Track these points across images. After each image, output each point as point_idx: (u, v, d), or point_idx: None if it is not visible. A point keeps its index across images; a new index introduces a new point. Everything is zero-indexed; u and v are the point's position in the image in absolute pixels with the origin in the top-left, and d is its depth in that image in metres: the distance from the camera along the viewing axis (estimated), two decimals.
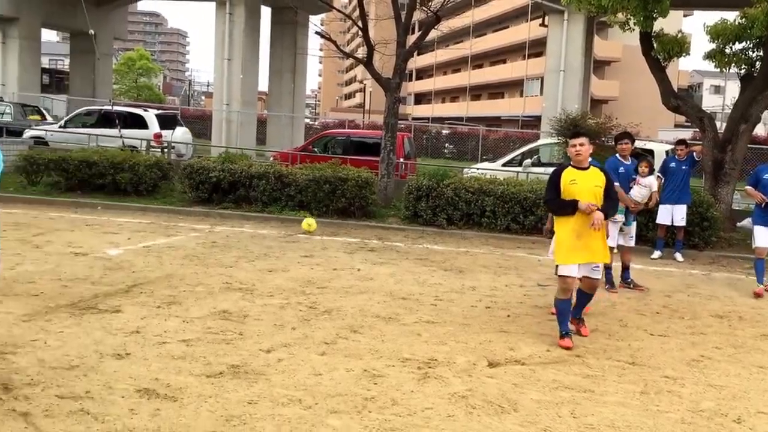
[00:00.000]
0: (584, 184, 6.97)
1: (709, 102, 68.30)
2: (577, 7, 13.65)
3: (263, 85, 35.86)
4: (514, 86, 63.54)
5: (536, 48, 56.06)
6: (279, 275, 9.55)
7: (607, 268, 9.24)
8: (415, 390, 5.60)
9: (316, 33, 18.10)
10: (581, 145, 7.08)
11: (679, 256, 12.34)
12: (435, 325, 7.50)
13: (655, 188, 10.12)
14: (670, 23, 23.58)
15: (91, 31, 22.91)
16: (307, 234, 12.99)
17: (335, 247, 12.07)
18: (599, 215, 6.83)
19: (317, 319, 7.49)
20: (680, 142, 12.54)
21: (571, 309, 7.23)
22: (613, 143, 10.20)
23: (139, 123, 22.40)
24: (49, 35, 43.08)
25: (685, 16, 58.15)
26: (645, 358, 6.71)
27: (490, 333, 7.32)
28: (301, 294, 8.56)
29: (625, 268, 9.92)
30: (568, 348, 6.83)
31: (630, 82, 53.31)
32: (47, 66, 48.07)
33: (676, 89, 15.57)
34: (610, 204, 7.09)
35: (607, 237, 8.25)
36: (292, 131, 32.71)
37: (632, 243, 9.97)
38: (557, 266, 7.17)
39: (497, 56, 67.99)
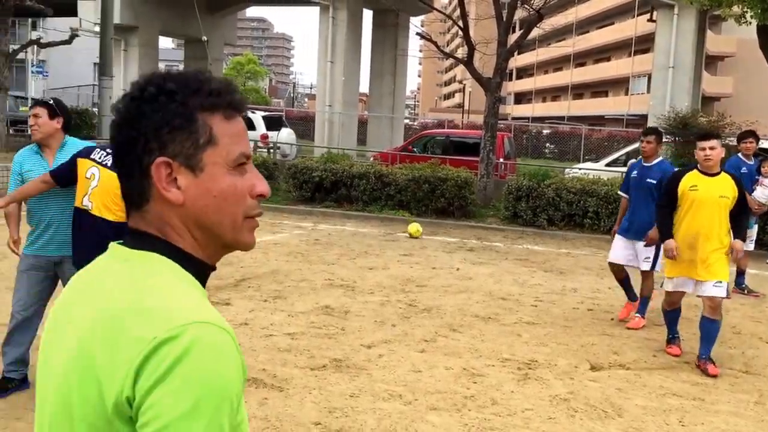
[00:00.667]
0: (707, 192, 6.16)
1: None
2: (688, 1, 13.21)
3: (364, 86, 36.23)
4: (619, 84, 61.86)
5: (642, 44, 54.40)
6: (379, 273, 9.66)
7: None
8: (515, 390, 5.58)
9: (417, 35, 18.19)
10: (711, 148, 6.18)
11: None
12: (535, 326, 7.44)
13: None
14: None
15: (204, 38, 23.71)
16: (411, 237, 12.93)
17: (434, 246, 12.11)
18: (739, 246, 6.20)
19: (417, 317, 7.55)
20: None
21: (679, 316, 6.74)
22: (736, 142, 9.76)
23: (247, 124, 22.95)
24: (164, 42, 44.96)
25: None
26: (760, 367, 6.46)
27: (593, 336, 7.19)
28: (401, 292, 8.64)
29: (741, 273, 9.46)
30: (675, 355, 6.53)
31: (745, 78, 50.92)
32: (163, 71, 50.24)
33: None
34: (740, 225, 6.31)
35: None
36: (392, 131, 32.92)
37: (752, 247, 9.43)
38: (663, 280, 6.57)
39: (601, 54, 66.33)
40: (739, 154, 9.22)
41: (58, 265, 4.95)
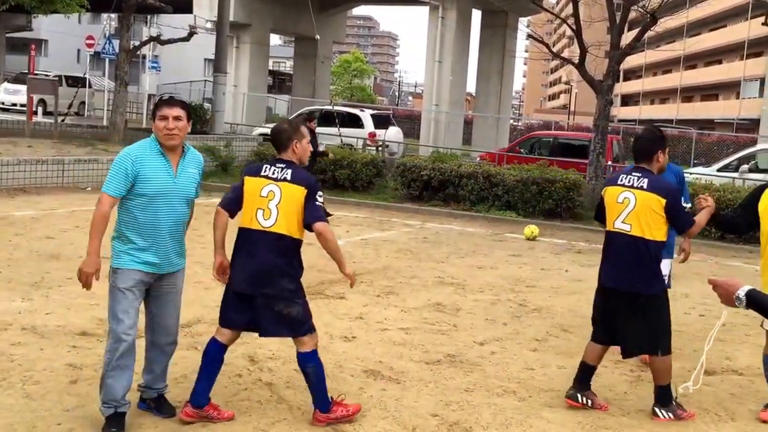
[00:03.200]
0: None
1: None
2: None
3: (470, 86, 36.30)
4: (730, 88, 59.54)
5: (755, 48, 52.24)
6: (488, 272, 9.83)
7: None
8: (629, 392, 5.67)
9: (529, 36, 18.19)
10: None
11: None
12: None
13: None
14: None
15: (317, 36, 24.37)
16: (528, 239, 12.96)
17: (542, 247, 12.17)
18: None
19: (527, 317, 7.69)
20: None
21: None
22: None
23: (356, 122, 23.59)
24: (272, 39, 46.35)
25: None
26: None
27: (704, 341, 7.14)
28: (511, 291, 8.79)
29: None
30: (765, 422, 5.21)
31: None
32: (271, 68, 51.69)
33: None
34: None
35: None
36: (497, 132, 32.89)
37: None
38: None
39: (712, 56, 64.01)
40: None
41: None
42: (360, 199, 16.19)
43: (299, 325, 4.64)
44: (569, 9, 16.88)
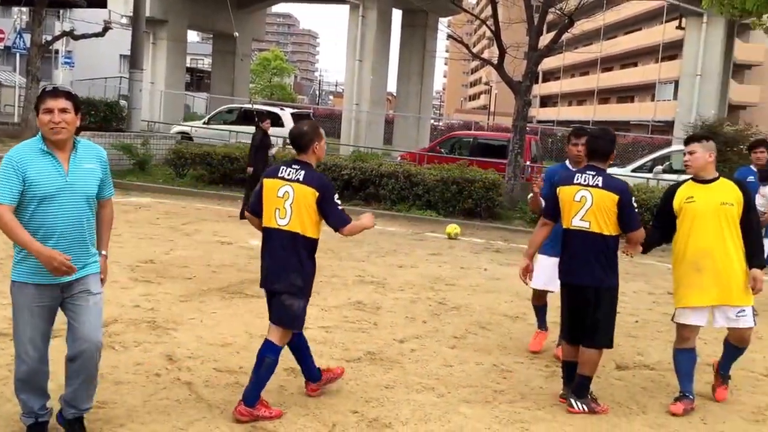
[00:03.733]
0: (706, 201, 5.36)
1: None
2: (718, 11, 13.31)
3: (391, 86, 36.50)
4: (645, 90, 61.65)
5: (670, 51, 54.19)
6: (409, 271, 9.90)
7: None
8: (544, 386, 5.79)
9: (449, 36, 18.39)
10: (691, 153, 5.48)
11: None
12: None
13: None
14: None
15: (236, 33, 24.08)
16: (450, 238, 13.05)
17: (461, 246, 12.32)
18: (758, 276, 5.27)
19: (447, 315, 7.78)
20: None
21: (693, 365, 5.54)
22: (747, 151, 9.44)
23: (276, 121, 23.35)
24: (190, 36, 45.53)
25: None
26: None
27: (619, 337, 7.27)
28: (431, 290, 8.87)
29: None
30: (675, 415, 5.34)
31: None
32: (189, 65, 50.76)
33: None
34: (752, 245, 5.39)
35: None
36: (418, 132, 33.17)
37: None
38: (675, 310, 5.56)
39: (628, 59, 66.17)
40: (751, 165, 8.96)
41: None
42: None
43: (292, 320, 4.85)
44: (489, 10, 17.12)
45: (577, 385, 5.32)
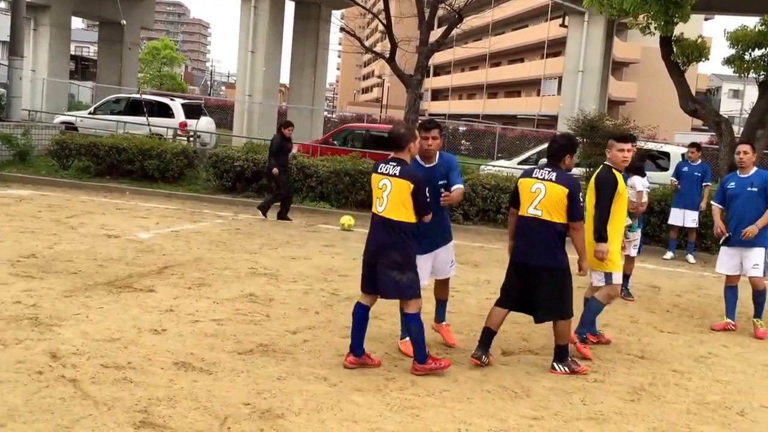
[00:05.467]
0: (625, 190, 6.73)
1: (728, 106, 68.04)
2: (598, 10, 13.87)
3: (284, 77, 36.17)
4: (531, 85, 63.65)
5: (554, 48, 56.14)
6: (302, 262, 9.90)
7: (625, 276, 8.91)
8: (435, 374, 5.93)
9: (342, 30, 18.42)
10: (629, 150, 6.65)
11: (691, 258, 12.56)
12: (452, 315, 7.77)
13: (638, 188, 8.77)
14: (690, 26, 23.71)
15: (123, 21, 23.26)
16: (344, 229, 13.10)
17: (355, 237, 12.39)
18: (599, 248, 6.51)
19: (339, 305, 7.84)
20: (692, 145, 12.73)
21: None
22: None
23: (166, 112, 22.83)
24: (75, 22, 43.67)
25: (706, 20, 58.03)
26: (654, 352, 7.01)
27: (504, 324, 7.56)
28: (324, 281, 8.91)
29: (625, 278, 9.01)
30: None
31: (648, 84, 53.30)
32: (73, 53, 48.72)
33: (694, 92, 15.75)
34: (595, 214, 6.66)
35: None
36: (312, 123, 33.00)
37: (634, 252, 9.11)
38: (612, 275, 6.68)
39: (515, 55, 68.12)
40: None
41: None
42: (170, 191, 15.72)
43: (405, 289, 5.72)
44: (381, 4, 17.23)
45: (557, 353, 6.21)
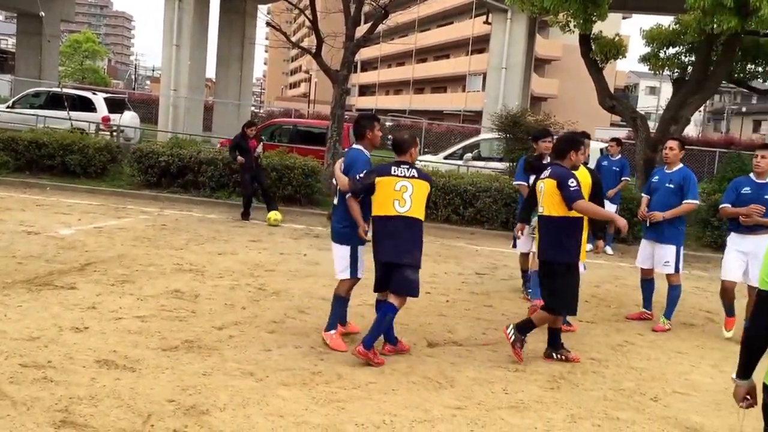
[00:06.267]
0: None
1: (645, 102, 70.42)
2: (520, 8, 14.16)
3: (210, 72, 35.72)
4: (457, 81, 64.35)
5: (479, 44, 56.90)
6: (228, 258, 9.84)
7: (524, 271, 9.11)
8: (360, 365, 6.00)
9: (267, 24, 18.29)
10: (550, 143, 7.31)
11: (609, 250, 12.94)
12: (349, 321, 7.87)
13: None
14: (609, 25, 24.39)
15: (42, 13, 22.55)
16: (270, 225, 13.04)
17: (282, 233, 12.39)
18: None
19: (266, 300, 7.83)
20: (613, 140, 13.12)
21: None
22: (533, 141, 9.33)
23: (88, 106, 22.27)
24: None
25: (624, 18, 59.76)
26: (573, 342, 7.20)
27: (430, 316, 7.77)
28: (250, 276, 8.88)
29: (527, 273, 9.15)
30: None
31: (569, 81, 54.58)
32: None
33: (613, 89, 16.24)
34: None
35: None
36: (239, 118, 32.63)
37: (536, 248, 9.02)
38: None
39: (441, 51, 68.79)
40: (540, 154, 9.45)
41: None
42: (93, 186, 15.36)
43: (416, 288, 6.17)
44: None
45: (521, 325, 6.52)
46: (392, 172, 6.05)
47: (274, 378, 5.55)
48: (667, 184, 7.96)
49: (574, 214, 6.26)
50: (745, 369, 3.18)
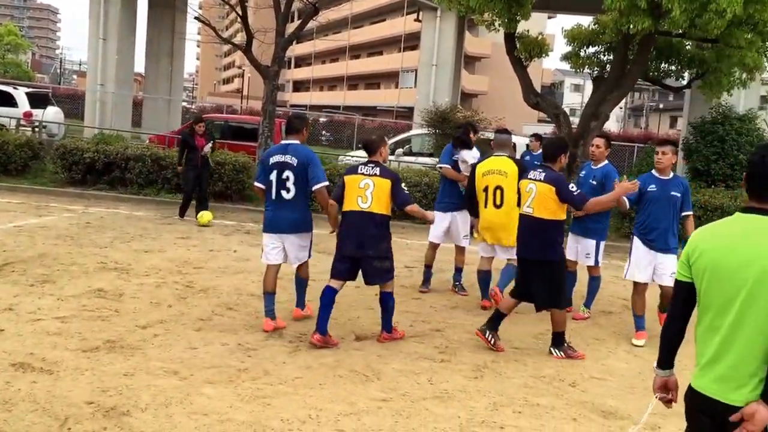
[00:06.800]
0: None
1: (570, 99, 72.05)
2: (448, 6, 14.28)
3: (140, 66, 34.98)
4: (390, 78, 64.62)
5: (411, 41, 57.18)
6: (155, 255, 9.68)
7: (427, 266, 9.15)
8: (287, 361, 6.00)
9: (195, 18, 18.04)
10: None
11: None
12: (307, 302, 7.88)
13: (469, 161, 8.60)
14: (535, 24, 24.83)
15: None
16: (201, 225, 12.49)
17: (212, 229, 12.23)
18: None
19: (194, 298, 7.75)
20: (533, 136, 13.37)
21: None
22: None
23: (8, 101, 21.57)
24: None
25: (549, 18, 60.89)
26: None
27: (360, 310, 7.80)
28: (178, 274, 8.76)
29: (458, 270, 9.14)
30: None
31: (499, 78, 55.31)
32: None
33: (540, 87, 16.54)
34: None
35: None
36: (169, 114, 32.10)
37: (466, 243, 9.02)
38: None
39: (374, 48, 68.99)
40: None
41: None
42: (14, 184, 14.89)
43: (387, 275, 6.63)
44: None
45: (553, 339, 6.74)
46: (359, 171, 6.60)
47: (199, 376, 5.50)
48: (591, 180, 8.14)
49: (561, 216, 6.62)
50: (664, 358, 3.19)
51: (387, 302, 6.72)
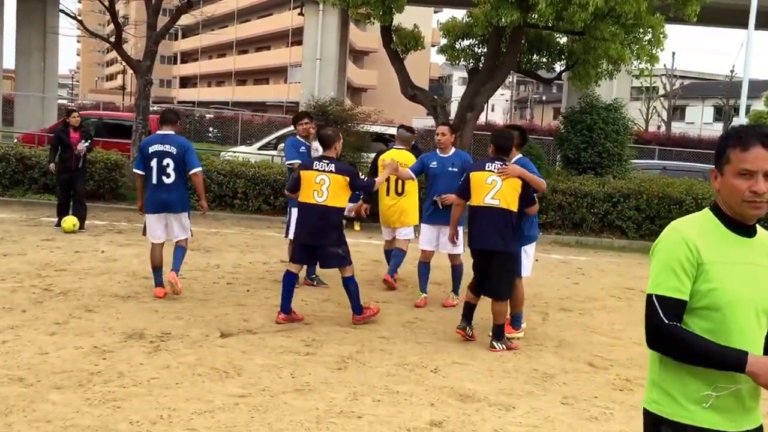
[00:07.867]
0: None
1: (458, 92, 73.11)
2: (326, 1, 14.25)
3: (9, 63, 33.31)
4: (279, 73, 64.14)
5: (299, 36, 56.78)
6: (14, 259, 9.24)
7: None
8: (145, 363, 5.82)
9: (61, 11, 17.30)
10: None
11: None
12: (174, 301, 7.72)
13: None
14: (421, 18, 25.15)
15: None
16: (66, 232, 11.55)
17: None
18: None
19: (51, 301, 7.44)
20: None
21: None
22: (293, 124, 9.29)
23: None
24: None
25: (436, 12, 61.75)
26: (369, 321, 7.38)
27: (228, 307, 7.68)
28: (37, 277, 8.39)
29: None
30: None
31: (388, 72, 55.54)
32: None
33: (428, 80, 16.68)
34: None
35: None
36: (44, 112, 30.75)
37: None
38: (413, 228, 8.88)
39: (262, 43, 68.27)
40: (297, 136, 9.04)
41: None
42: None
43: (343, 259, 7.11)
44: None
45: (494, 332, 6.80)
46: (314, 167, 7.05)
47: (47, 382, 5.26)
48: (449, 168, 8.19)
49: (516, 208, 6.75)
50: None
51: (348, 286, 7.15)
